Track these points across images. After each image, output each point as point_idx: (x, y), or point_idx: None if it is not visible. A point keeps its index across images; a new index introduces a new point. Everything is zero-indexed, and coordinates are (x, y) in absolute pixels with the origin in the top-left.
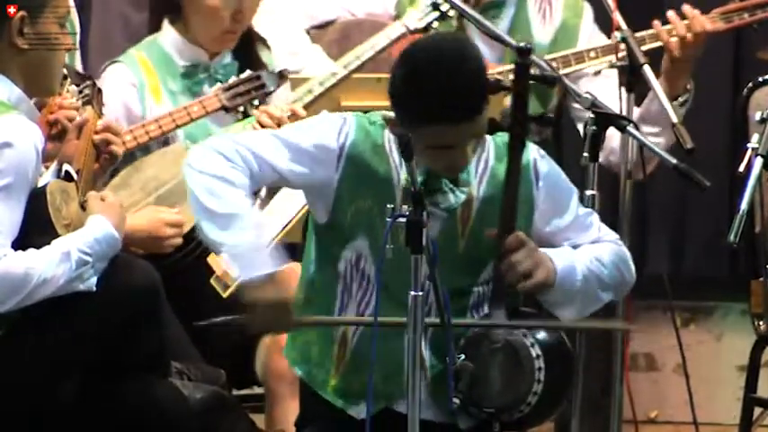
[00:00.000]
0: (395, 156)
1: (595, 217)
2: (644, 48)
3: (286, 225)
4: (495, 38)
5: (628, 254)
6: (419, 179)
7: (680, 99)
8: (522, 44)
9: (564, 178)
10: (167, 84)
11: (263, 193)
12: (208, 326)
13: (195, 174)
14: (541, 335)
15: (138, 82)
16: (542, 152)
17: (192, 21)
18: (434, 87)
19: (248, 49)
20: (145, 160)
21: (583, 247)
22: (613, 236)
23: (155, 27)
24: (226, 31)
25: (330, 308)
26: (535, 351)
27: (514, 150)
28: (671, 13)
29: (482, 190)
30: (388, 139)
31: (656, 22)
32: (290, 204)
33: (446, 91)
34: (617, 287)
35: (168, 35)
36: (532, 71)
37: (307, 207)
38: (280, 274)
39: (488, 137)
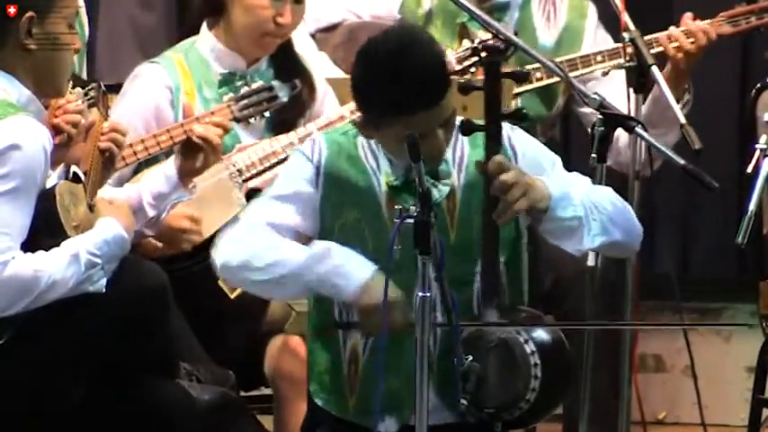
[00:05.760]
0: (370, 162)
1: (584, 177)
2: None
3: None
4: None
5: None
6: (398, 182)
7: (680, 103)
8: (491, 43)
9: (541, 145)
10: (202, 90)
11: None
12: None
13: (236, 264)
14: (536, 331)
15: (174, 85)
16: (512, 126)
17: (234, 20)
18: (395, 79)
19: (286, 56)
20: None
21: (578, 185)
22: (609, 190)
23: (191, 29)
24: (266, 33)
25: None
26: (530, 347)
27: (491, 149)
28: (674, 29)
29: (462, 178)
30: (362, 146)
31: (662, 36)
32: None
33: (407, 79)
34: (624, 225)
35: (207, 41)
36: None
37: None
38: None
39: (457, 125)
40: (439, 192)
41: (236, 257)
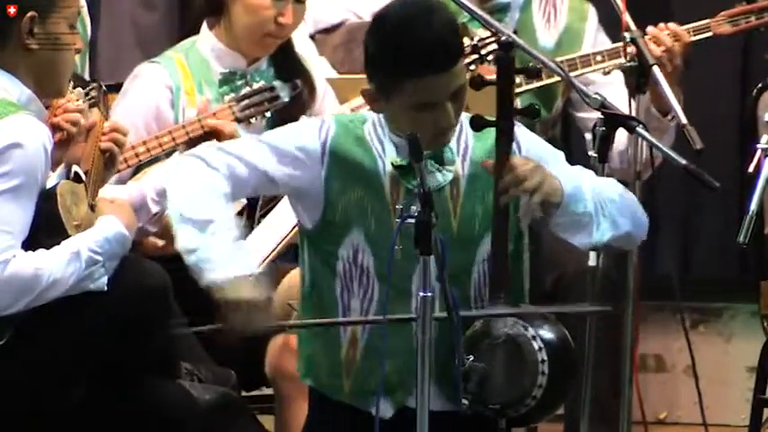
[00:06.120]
0: (376, 145)
1: (588, 171)
2: None
3: (279, 243)
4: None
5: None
6: (403, 162)
7: (670, 114)
8: (503, 38)
9: (544, 141)
10: (203, 90)
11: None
12: (196, 333)
13: (174, 179)
14: (543, 328)
15: (175, 85)
16: (516, 123)
17: (235, 20)
18: (411, 40)
19: (286, 55)
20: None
21: (585, 179)
22: (614, 181)
23: (192, 29)
24: (267, 33)
25: (332, 313)
26: (537, 344)
27: (502, 144)
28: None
29: (466, 167)
30: (368, 132)
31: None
32: (283, 223)
33: (422, 40)
34: (632, 217)
35: (207, 40)
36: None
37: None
38: (256, 278)
39: (463, 117)
40: (443, 176)
41: (180, 170)
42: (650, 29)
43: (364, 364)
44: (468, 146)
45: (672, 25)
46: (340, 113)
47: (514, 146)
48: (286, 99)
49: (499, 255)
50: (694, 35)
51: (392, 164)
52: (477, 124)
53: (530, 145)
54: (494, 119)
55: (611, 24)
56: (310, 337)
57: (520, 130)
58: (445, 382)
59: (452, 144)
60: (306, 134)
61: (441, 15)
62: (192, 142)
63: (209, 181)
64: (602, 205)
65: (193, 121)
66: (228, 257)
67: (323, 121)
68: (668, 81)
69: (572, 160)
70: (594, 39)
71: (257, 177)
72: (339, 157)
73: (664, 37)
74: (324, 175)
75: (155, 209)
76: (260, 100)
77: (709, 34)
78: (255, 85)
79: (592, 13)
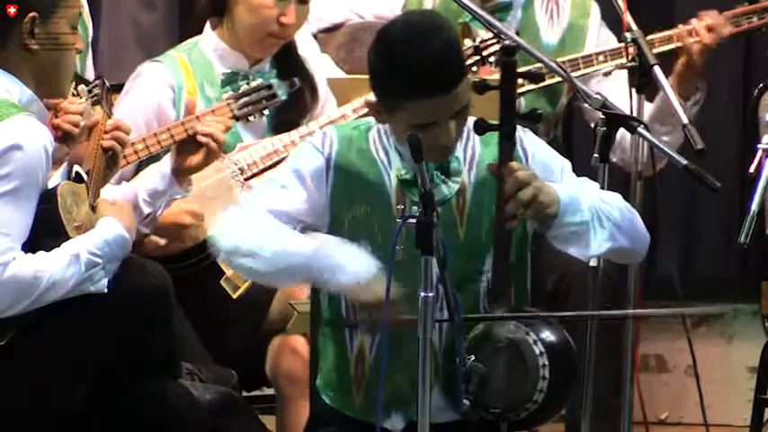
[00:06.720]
0: (381, 156)
1: (593, 182)
2: (655, 51)
3: None
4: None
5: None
6: (409, 175)
7: (692, 99)
8: (507, 42)
9: (551, 149)
10: (205, 90)
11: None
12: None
13: (243, 259)
14: (544, 332)
15: (177, 84)
16: (524, 128)
17: (238, 20)
18: (411, 61)
19: (289, 57)
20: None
21: (586, 191)
22: (617, 196)
23: (195, 29)
24: (270, 33)
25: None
26: (538, 348)
27: (504, 148)
28: (695, 21)
29: (473, 176)
30: (373, 141)
31: (682, 30)
32: None
33: (423, 63)
34: (630, 233)
35: (210, 41)
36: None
37: None
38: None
39: (469, 122)
40: (448, 188)
41: (243, 245)
42: (694, 22)
43: (374, 379)
44: (475, 153)
45: (713, 13)
46: (343, 123)
47: (521, 152)
48: (284, 97)
49: (501, 259)
50: (710, 40)
51: (397, 176)
52: (481, 128)
53: (536, 152)
54: (496, 122)
55: (612, 24)
56: (329, 353)
57: (527, 136)
58: (452, 394)
59: (459, 153)
60: (310, 155)
61: (443, 35)
62: (191, 139)
63: (271, 225)
64: (599, 216)
65: (192, 119)
66: (354, 261)
67: (324, 135)
68: (697, 71)
69: (573, 162)
70: (598, 35)
71: (291, 223)
72: (344, 171)
73: (720, 28)
74: (329, 190)
75: (147, 210)
76: (258, 98)
77: None
78: (253, 83)
79: (594, 8)
